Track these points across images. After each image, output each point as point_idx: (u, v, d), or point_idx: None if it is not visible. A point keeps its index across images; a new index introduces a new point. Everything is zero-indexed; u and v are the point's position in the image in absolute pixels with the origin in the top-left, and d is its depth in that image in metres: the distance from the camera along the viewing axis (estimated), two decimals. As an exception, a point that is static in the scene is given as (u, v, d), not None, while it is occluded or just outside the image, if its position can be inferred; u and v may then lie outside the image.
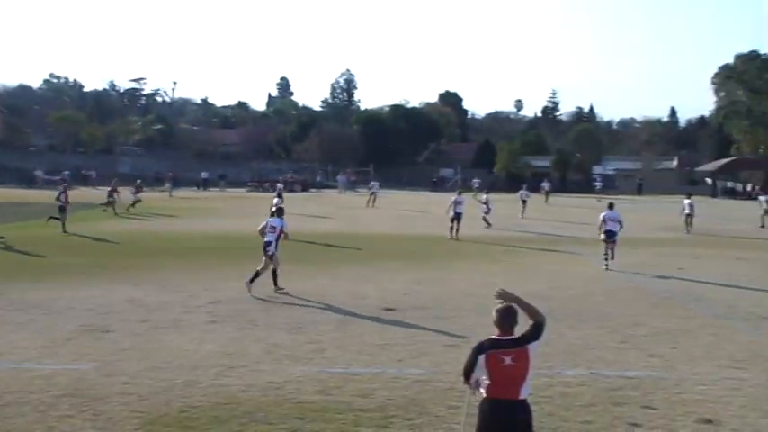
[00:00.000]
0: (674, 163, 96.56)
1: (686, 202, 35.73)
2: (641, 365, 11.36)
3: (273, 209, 27.38)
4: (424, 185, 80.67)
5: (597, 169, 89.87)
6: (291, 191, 64.71)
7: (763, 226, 38.24)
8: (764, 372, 11.08)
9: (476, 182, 67.71)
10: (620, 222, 23.35)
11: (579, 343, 12.60)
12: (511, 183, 78.60)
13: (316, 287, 17.69)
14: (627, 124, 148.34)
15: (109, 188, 42.27)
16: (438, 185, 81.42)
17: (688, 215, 35.39)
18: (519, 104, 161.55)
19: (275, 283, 17.02)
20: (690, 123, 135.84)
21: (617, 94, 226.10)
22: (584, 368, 11.06)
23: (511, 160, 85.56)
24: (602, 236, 22.90)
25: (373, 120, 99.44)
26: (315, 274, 19.93)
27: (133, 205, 42.67)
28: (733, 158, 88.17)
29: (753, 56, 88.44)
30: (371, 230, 32.79)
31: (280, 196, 30.83)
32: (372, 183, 53.04)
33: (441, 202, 42.09)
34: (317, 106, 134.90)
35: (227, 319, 14.16)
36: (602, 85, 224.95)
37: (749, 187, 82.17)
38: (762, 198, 40.92)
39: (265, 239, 17.31)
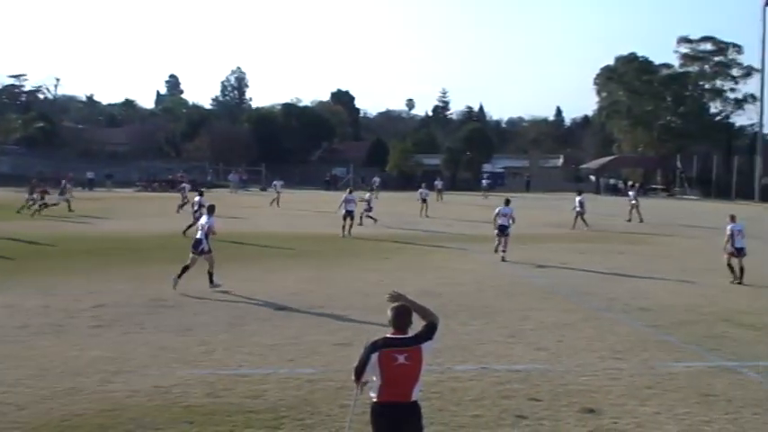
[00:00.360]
0: (560, 161, 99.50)
1: (577, 199, 36.90)
2: (528, 359, 11.65)
3: (196, 207, 27.12)
4: (317, 184, 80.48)
5: (487, 167, 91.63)
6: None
7: (629, 220, 40.08)
8: (642, 361, 11.55)
9: (376, 180, 67.60)
10: (512, 218, 24.25)
11: (469, 338, 12.83)
12: (403, 181, 79.46)
13: (206, 288, 17.38)
14: (515, 123, 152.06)
15: (30, 189, 40.21)
16: (331, 184, 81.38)
17: (579, 212, 36.52)
18: (410, 103, 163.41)
19: (211, 281, 17.30)
20: (574, 122, 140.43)
21: (505, 94, 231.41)
22: (473, 363, 11.26)
23: (402, 159, 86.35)
24: (496, 230, 23.97)
25: (265, 118, 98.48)
26: (205, 274, 19.54)
27: (70, 207, 41.16)
28: (615, 156, 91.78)
29: (631, 58, 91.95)
30: (262, 229, 32.45)
31: (201, 194, 30.35)
32: (275, 182, 51.50)
33: (333, 201, 42.01)
34: (207, 104, 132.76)
35: (112, 323, 13.73)
36: (492, 84, 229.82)
37: (630, 184, 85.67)
38: (631, 194, 42.66)
39: (196, 236, 17.97)
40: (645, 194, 79.21)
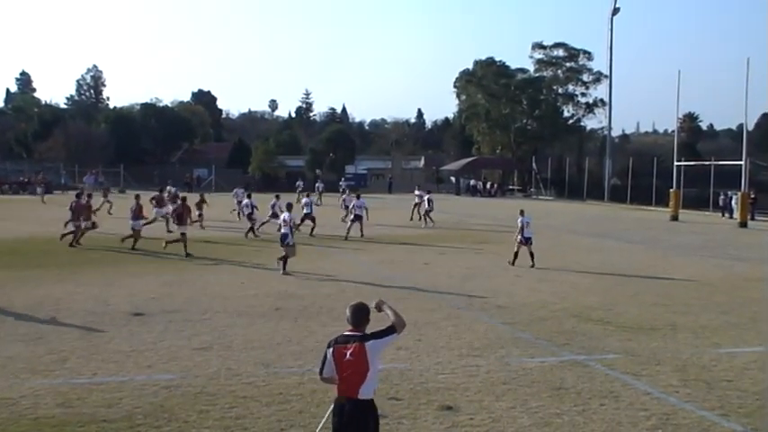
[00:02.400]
0: (422, 162, 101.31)
1: (426, 197, 38.04)
2: (388, 358, 11.75)
3: (249, 209, 30.20)
4: (178, 186, 78.40)
5: (350, 169, 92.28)
6: (33, 192, 60.63)
7: (411, 219, 40.11)
8: (498, 358, 11.92)
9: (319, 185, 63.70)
10: (366, 209, 25.58)
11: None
12: (266, 182, 78.71)
13: (60, 293, 16.69)
14: (378, 125, 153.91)
15: None
16: (192, 186, 79.57)
17: (427, 210, 37.43)
18: (273, 104, 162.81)
19: (283, 269, 20.49)
20: (435, 125, 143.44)
21: (368, 96, 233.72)
22: (334, 364, 11.29)
23: (265, 160, 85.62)
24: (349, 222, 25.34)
25: (123, 118, 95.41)
26: (59, 279, 18.79)
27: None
28: (474, 158, 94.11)
29: (489, 62, 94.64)
30: (122, 233, 31.42)
31: (250, 196, 31.12)
32: (236, 190, 46.25)
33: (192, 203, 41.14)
34: (62, 103, 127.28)
35: (-46, 333, 12.97)
36: (354, 86, 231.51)
37: (488, 185, 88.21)
38: (416, 192, 41.75)
39: (282, 231, 21.23)
40: (503, 195, 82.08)
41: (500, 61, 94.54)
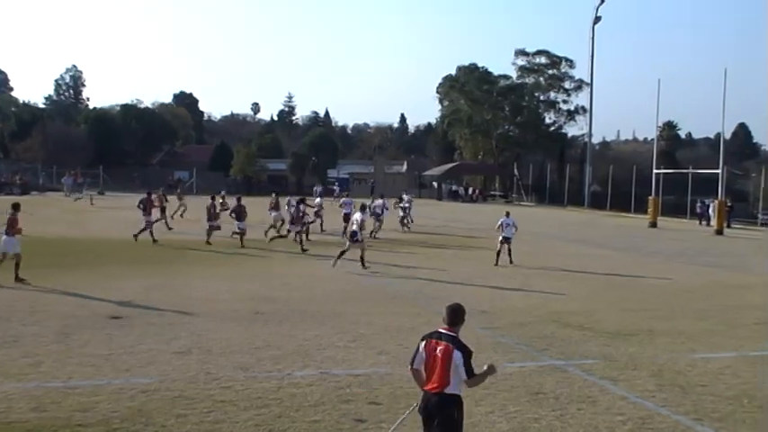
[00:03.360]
0: (404, 167, 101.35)
1: (406, 197, 38.80)
2: (369, 363, 11.78)
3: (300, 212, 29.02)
4: (165, 188, 77.85)
5: (332, 173, 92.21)
6: (10, 193, 60.11)
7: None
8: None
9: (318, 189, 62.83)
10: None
11: (310, 344, 12.82)
12: (247, 185, 78.47)
13: (37, 296, 16.54)
14: (361, 129, 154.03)
15: None
16: (174, 188, 79.05)
17: (402, 215, 37.62)
18: (256, 107, 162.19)
19: (363, 264, 22.59)
20: (418, 130, 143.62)
21: (351, 100, 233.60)
22: (314, 368, 11.27)
23: (247, 163, 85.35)
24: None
25: (103, 119, 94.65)
26: (35, 281, 18.58)
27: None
28: (456, 163, 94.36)
29: (472, 68, 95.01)
30: (101, 235, 31.25)
31: (303, 201, 30.58)
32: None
33: (173, 207, 41.06)
34: (40, 103, 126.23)
35: (-71, 335, 12.81)
36: (338, 91, 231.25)
37: (470, 190, 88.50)
38: (405, 197, 40.32)
39: (352, 229, 23.18)
40: (485, 200, 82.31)
41: (483, 67, 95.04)
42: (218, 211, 30.41)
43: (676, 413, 9.71)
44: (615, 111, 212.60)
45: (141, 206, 29.52)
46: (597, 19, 79.25)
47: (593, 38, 79.67)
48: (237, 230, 29.24)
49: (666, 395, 10.49)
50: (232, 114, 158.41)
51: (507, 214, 25.52)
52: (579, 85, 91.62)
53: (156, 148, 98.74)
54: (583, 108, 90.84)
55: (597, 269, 24.61)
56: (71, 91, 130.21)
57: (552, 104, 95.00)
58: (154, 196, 31.84)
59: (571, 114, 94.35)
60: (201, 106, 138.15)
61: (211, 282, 19.67)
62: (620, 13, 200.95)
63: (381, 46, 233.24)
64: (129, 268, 21.84)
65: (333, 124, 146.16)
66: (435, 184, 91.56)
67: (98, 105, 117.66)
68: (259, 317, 15.05)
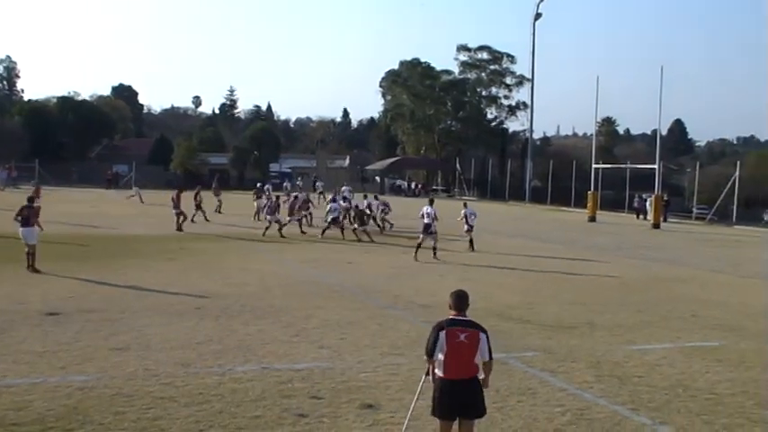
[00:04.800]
0: (347, 161, 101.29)
1: (345, 188, 39.31)
2: (311, 357, 11.74)
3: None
4: (98, 182, 76.62)
5: (274, 167, 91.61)
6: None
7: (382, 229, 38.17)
8: (420, 356, 11.91)
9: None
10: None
11: (252, 339, 12.73)
12: (188, 180, 77.48)
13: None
14: (303, 123, 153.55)
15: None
16: (113, 183, 77.74)
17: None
18: (197, 101, 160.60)
19: (434, 255, 24.58)
20: (361, 124, 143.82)
21: (294, 94, 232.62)
22: (255, 363, 11.18)
23: (188, 157, 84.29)
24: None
25: (38, 111, 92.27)
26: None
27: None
28: (399, 158, 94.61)
29: (415, 63, 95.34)
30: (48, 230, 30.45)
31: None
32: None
33: (115, 200, 40.43)
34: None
35: None
36: (280, 84, 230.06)
37: (413, 185, 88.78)
38: (374, 201, 37.59)
39: (425, 222, 24.78)
40: (427, 194, 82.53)
41: (425, 62, 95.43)
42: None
43: (614, 403, 9.89)
44: (556, 106, 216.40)
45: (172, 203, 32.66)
46: (538, 15, 79.94)
47: (533, 34, 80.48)
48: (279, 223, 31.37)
49: (604, 386, 10.68)
50: (173, 107, 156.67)
51: (465, 205, 28.53)
52: (520, 81, 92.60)
53: (94, 142, 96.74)
54: (524, 103, 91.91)
55: (538, 263, 24.93)
56: (5, 82, 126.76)
57: (494, 100, 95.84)
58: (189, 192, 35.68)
59: (512, 110, 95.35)
60: (141, 99, 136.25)
61: (159, 276, 19.39)
62: (560, 8, 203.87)
63: (324, 40, 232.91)
64: (65, 263, 21.35)
65: (275, 118, 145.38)
66: (378, 178, 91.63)
67: (33, 97, 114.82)
68: (201, 311, 14.88)
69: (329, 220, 31.05)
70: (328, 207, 32.25)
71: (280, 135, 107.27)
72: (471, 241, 27.61)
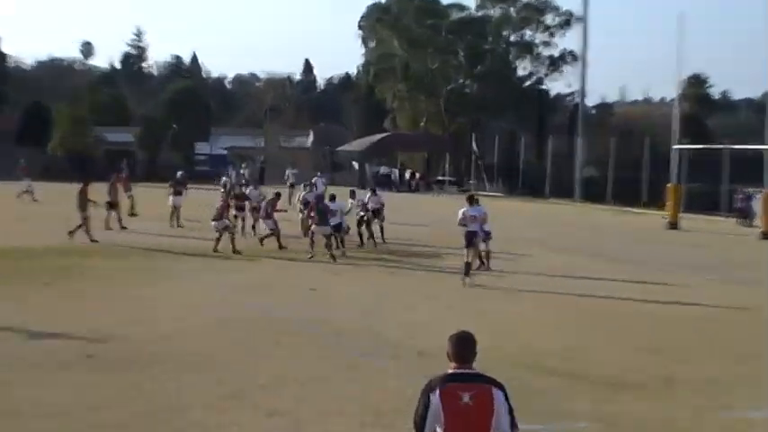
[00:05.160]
0: (310, 139, 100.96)
1: (290, 171, 38.98)
2: (258, 428, 11.78)
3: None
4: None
5: (202, 147, 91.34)
6: None
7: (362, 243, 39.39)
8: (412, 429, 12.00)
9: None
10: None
11: (169, 402, 12.75)
12: (75, 165, 77.11)
13: None
14: (245, 83, 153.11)
15: None
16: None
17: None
18: (87, 49, 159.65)
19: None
20: (330, 84, 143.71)
21: (231, 40, 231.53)
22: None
23: (75, 133, 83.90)
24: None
25: None
26: None
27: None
28: (386, 134, 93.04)
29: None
30: None
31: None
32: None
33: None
34: None
35: None
36: (210, 26, 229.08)
37: (408, 174, 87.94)
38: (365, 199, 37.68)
39: (469, 229, 25.04)
40: (429, 189, 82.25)
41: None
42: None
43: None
44: (619, 58, 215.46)
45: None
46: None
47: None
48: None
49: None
50: (52, 60, 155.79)
51: (471, 200, 26.94)
52: (567, 20, 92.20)
53: None
54: (572, 54, 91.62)
55: (591, 289, 24.92)
56: None
57: (528, 48, 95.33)
58: None
59: (555, 63, 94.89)
60: (4, 47, 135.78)
61: (36, 310, 19.48)
62: None
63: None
64: None
65: (203, 75, 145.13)
66: (356, 164, 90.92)
67: None
68: (94, 361, 14.90)
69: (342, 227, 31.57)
70: (314, 206, 32.02)
71: (209, 100, 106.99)
72: (486, 257, 27.93)
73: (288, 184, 56.42)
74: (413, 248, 33.72)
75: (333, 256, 29.45)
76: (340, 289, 23.90)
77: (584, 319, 20.67)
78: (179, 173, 46.70)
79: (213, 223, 31.55)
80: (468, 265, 24.96)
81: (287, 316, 19.83)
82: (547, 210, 62.55)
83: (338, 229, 30.94)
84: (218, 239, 30.97)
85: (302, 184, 43.20)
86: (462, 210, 25.39)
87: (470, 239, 25.02)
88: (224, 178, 52.52)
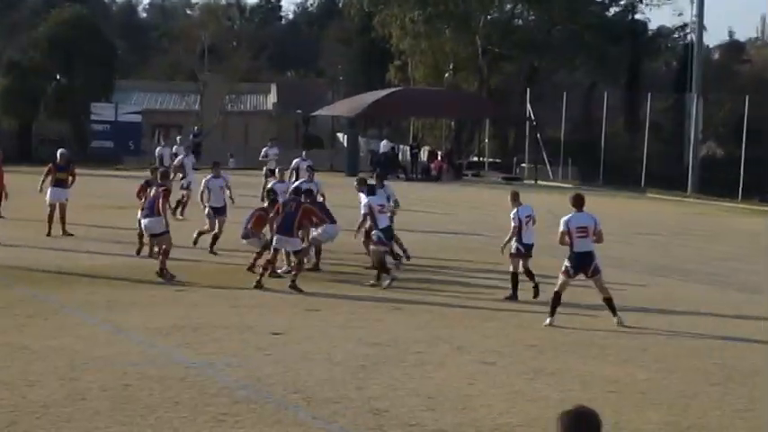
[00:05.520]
0: (272, 98, 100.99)
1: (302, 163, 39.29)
2: None
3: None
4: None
5: (103, 111, 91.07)
6: None
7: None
8: None
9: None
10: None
11: None
12: None
13: None
14: (170, 11, 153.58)
15: None
16: None
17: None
18: None
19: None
20: (302, 13, 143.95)
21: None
22: None
23: None
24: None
25: None
26: None
27: None
28: (392, 90, 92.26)
29: None
30: None
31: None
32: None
33: None
34: None
35: None
36: None
37: (425, 154, 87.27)
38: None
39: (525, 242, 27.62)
40: (459, 177, 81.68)
41: None
42: None
43: None
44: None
45: None
46: None
47: None
48: None
49: None
50: None
51: (516, 197, 28.56)
52: None
53: None
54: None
55: (707, 333, 25.01)
56: None
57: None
58: None
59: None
60: None
61: None
62: None
63: None
64: None
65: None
66: (343, 136, 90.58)
67: None
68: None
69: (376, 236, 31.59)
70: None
71: (115, 38, 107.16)
72: (534, 285, 28.23)
73: (265, 169, 56.93)
74: (433, 268, 33.88)
75: (295, 285, 29.35)
76: (316, 334, 23.92)
77: (692, 381, 20.44)
78: (60, 151, 46.55)
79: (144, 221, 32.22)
80: (557, 298, 24.99)
81: (235, 380, 19.83)
82: (643, 210, 62.53)
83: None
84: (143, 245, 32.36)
85: (277, 169, 43.27)
86: (566, 218, 24.87)
87: (584, 268, 25.00)
88: (178, 146, 52.64)
